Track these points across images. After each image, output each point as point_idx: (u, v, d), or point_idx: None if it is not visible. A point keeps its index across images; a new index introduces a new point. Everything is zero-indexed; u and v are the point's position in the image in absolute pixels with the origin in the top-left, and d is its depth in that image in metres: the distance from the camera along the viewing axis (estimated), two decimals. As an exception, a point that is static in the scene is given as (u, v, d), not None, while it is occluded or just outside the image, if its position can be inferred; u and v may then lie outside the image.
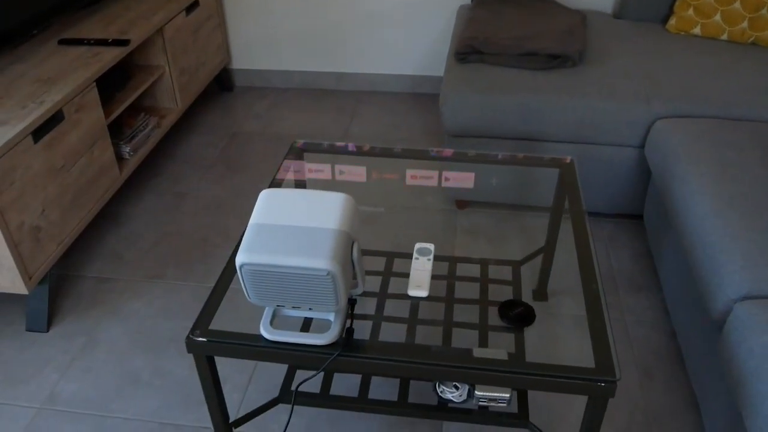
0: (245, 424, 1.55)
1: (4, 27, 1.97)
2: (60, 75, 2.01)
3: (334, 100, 3.07)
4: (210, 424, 1.57)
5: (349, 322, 1.19)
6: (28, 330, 1.87)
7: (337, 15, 2.97)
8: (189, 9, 2.67)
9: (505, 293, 1.36)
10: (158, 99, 2.64)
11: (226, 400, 1.62)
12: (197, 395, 1.64)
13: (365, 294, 1.29)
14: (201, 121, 2.96)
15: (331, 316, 1.16)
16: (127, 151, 2.30)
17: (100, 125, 2.09)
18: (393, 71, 3.09)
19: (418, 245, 1.36)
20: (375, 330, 1.22)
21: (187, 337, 1.15)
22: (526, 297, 1.33)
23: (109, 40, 2.23)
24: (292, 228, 1.06)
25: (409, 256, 1.34)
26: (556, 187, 1.67)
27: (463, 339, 1.19)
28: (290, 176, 1.67)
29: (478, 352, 1.13)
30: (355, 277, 1.15)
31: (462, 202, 2.24)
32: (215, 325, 1.18)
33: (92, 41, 2.22)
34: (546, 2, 2.60)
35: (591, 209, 2.20)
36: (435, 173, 1.75)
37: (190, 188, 2.48)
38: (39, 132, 1.79)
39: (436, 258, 1.40)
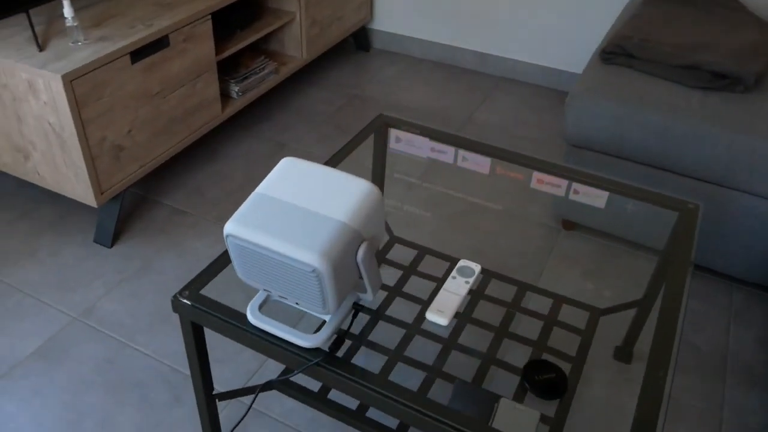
0: (230, 400, 1.46)
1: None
2: (179, 3, 1.99)
3: (468, 81, 2.88)
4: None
5: (345, 329, 1.04)
6: (95, 242, 1.91)
7: (488, -9, 2.76)
8: (335, -41, 2.58)
9: (569, 343, 1.15)
10: (285, 45, 2.59)
11: (226, 370, 1.55)
12: (219, 354, 1.58)
13: (389, 303, 1.14)
14: (325, 75, 2.89)
15: (327, 317, 1.02)
16: (236, 90, 2.27)
17: (208, 59, 2.06)
18: (539, 62, 2.83)
19: (461, 263, 1.18)
20: (377, 346, 1.07)
21: (174, 296, 1.07)
22: (605, 352, 1.12)
23: (240, -24, 2.18)
24: (295, 208, 0.92)
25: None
26: (671, 233, 1.40)
27: (495, 387, 1.01)
28: (393, 147, 1.53)
29: (502, 416, 0.94)
30: (363, 281, 1.00)
31: (570, 222, 2.00)
32: (210, 292, 1.09)
33: (224, -26, 2.19)
34: (737, 10, 2.19)
35: (724, 270, 1.81)
36: (564, 182, 1.53)
37: (293, 140, 2.42)
38: (138, 54, 1.78)
39: (505, 279, 1.21)
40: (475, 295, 1.20)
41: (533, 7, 2.70)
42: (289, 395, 1.26)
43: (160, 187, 2.15)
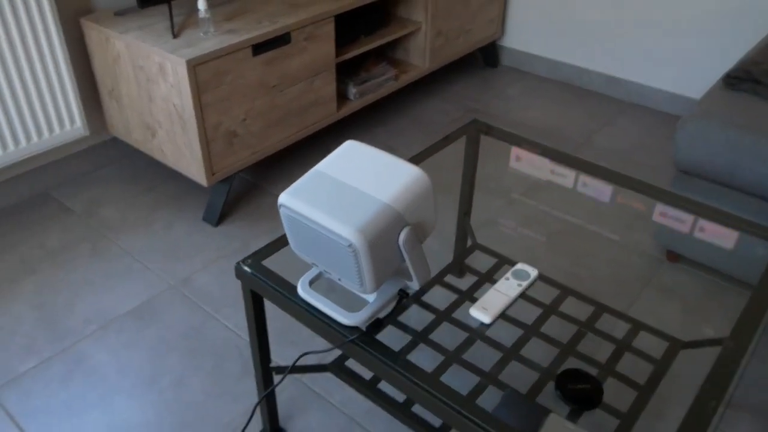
0: (295, 382, 1.50)
1: (276, -52, 2.12)
2: (308, 3, 2.10)
3: (592, 103, 2.78)
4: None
5: (387, 313, 1.04)
6: (203, 219, 2.05)
7: (628, 13, 2.65)
8: (467, -28, 2.60)
9: (639, 372, 1.08)
10: (409, 54, 2.65)
11: (297, 353, 1.59)
12: (299, 338, 1.64)
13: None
14: (447, 87, 2.92)
15: (371, 298, 1.03)
16: (354, 92, 2.35)
17: (327, 59, 2.15)
18: (670, 88, 2.68)
19: (518, 266, 1.15)
20: (427, 333, 1.07)
21: (237, 263, 1.12)
22: (683, 388, 1.05)
23: (368, -17, 2.27)
24: (345, 187, 0.95)
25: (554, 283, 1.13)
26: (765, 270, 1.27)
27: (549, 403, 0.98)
28: (512, 166, 1.53)
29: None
30: (408, 267, 1.00)
31: (675, 254, 1.87)
32: (277, 266, 1.13)
33: (354, -20, 2.29)
34: None
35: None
36: (670, 211, 1.44)
37: (403, 146, 2.46)
38: (260, 47, 1.90)
39: (582, 297, 1.17)
40: (547, 310, 1.16)
41: (668, 31, 2.56)
42: (342, 379, 1.27)
43: (268, 175, 2.27)
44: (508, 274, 1.11)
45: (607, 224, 1.60)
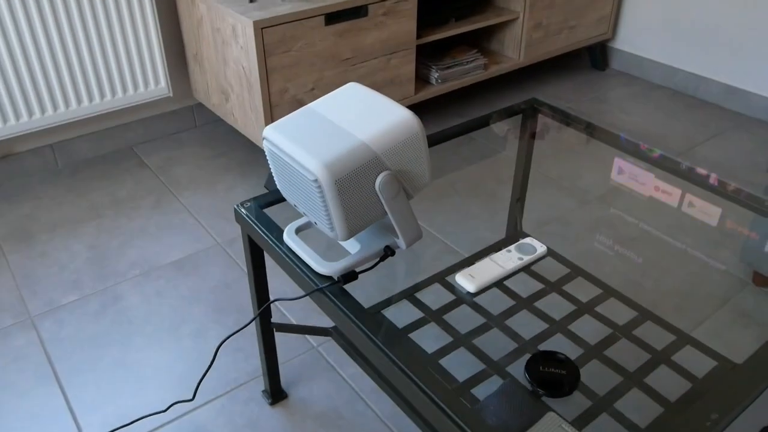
0: (286, 333, 1.45)
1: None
2: (390, -22, 2.06)
3: (705, 114, 2.53)
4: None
5: (367, 268, 0.97)
6: (264, 186, 2.06)
7: (756, 17, 2.39)
8: (574, -37, 2.45)
9: (673, 388, 0.94)
10: (504, 45, 2.54)
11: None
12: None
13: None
14: (541, 86, 2.77)
15: (353, 249, 0.96)
16: (436, 77, 2.28)
17: (407, 38, 2.10)
18: (795, 103, 2.38)
19: (525, 240, 1.03)
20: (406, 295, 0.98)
21: (237, 205, 1.09)
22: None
23: (460, -36, 2.19)
24: (330, 124, 0.89)
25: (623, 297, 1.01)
26: None
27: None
28: (615, 178, 1.43)
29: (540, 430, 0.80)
30: (391, 221, 0.92)
31: (764, 278, 1.63)
32: (276, 215, 1.09)
33: (447, -38, 2.22)
34: None
35: None
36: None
37: (480, 136, 2.35)
38: (334, 17, 1.88)
39: (624, 300, 1.04)
40: (582, 306, 1.03)
41: (801, 36, 2.27)
42: (340, 345, 1.21)
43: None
44: (511, 247, 0.99)
45: (689, 236, 1.43)
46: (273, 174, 0.95)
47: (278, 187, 0.97)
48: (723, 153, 2.26)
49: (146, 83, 2.10)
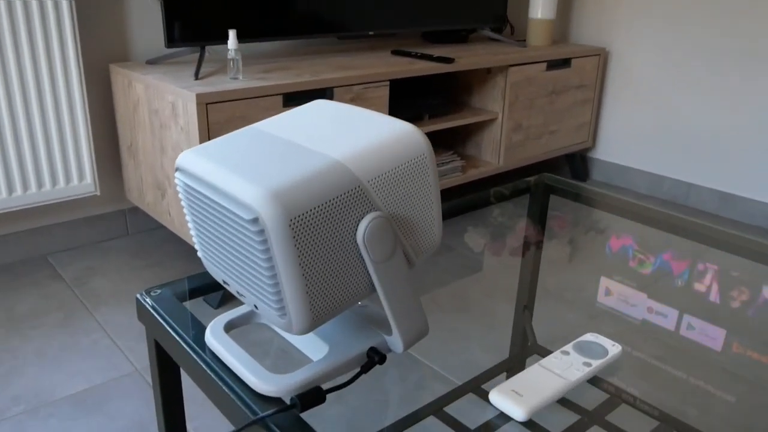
0: None
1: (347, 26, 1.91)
2: (364, 65, 1.84)
3: (695, 239, 2.28)
4: None
5: (340, 385, 0.60)
6: (203, 299, 1.67)
7: (745, 119, 2.23)
8: (553, 65, 2.29)
9: None
10: (482, 148, 2.30)
11: None
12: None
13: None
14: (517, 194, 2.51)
15: (319, 352, 0.59)
16: (409, 177, 2.00)
17: (377, 129, 1.83)
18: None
19: (587, 336, 0.68)
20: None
21: (139, 294, 0.73)
22: None
23: (434, 56, 1.99)
24: (283, 143, 0.55)
25: None
26: None
27: None
28: (600, 301, 1.12)
29: None
30: (382, 302, 0.57)
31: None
32: (204, 312, 0.73)
33: (419, 54, 2.03)
34: None
35: None
36: None
37: (459, 245, 2.04)
38: (294, 98, 1.61)
39: (684, 428, 0.67)
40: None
41: (804, 136, 2.10)
42: None
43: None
44: (568, 347, 0.64)
45: (740, 354, 1.10)
46: (192, 232, 0.60)
47: (200, 254, 0.61)
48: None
49: (68, 178, 1.75)
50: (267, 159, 0.52)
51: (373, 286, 0.55)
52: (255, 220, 0.47)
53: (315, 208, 0.48)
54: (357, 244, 0.52)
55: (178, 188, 0.58)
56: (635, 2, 2.43)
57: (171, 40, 1.63)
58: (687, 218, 1.22)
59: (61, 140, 1.71)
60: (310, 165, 0.50)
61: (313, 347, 0.61)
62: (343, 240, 0.51)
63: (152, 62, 1.80)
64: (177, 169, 0.57)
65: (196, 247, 0.61)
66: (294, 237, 0.48)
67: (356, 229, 0.51)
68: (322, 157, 0.51)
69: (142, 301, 0.71)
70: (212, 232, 0.55)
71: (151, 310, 0.69)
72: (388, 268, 0.54)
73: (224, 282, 0.59)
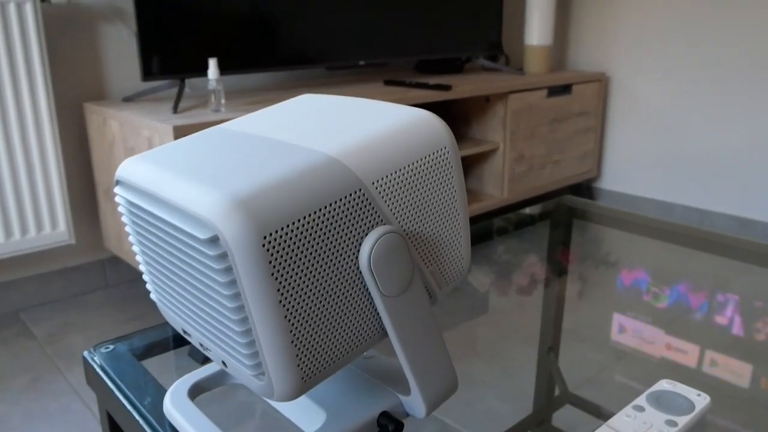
0: None
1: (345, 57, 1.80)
2: (357, 96, 1.72)
3: (719, 250, 2.14)
4: None
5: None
6: (188, 354, 1.51)
7: (758, 140, 2.11)
8: (553, 91, 2.19)
9: None
10: (484, 181, 2.18)
11: None
12: None
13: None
14: (524, 224, 2.38)
15: (314, 422, 0.44)
16: (409, 213, 1.87)
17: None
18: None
19: (663, 385, 0.53)
20: None
21: (87, 352, 0.58)
22: None
23: (430, 84, 1.88)
24: (257, 140, 0.42)
25: None
26: None
27: None
28: (615, 339, 0.98)
29: None
30: (398, 353, 0.42)
31: None
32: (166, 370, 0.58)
33: (413, 83, 1.92)
34: None
35: None
36: None
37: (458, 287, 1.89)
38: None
39: None
40: None
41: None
42: None
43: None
44: (641, 400, 0.49)
45: None
46: (142, 267, 0.46)
47: (153, 297, 0.46)
48: (752, 288, 1.84)
49: (39, 226, 1.61)
50: (233, 159, 0.38)
51: (383, 330, 0.40)
52: (214, 240, 0.33)
53: (299, 221, 0.34)
54: (360, 272, 0.37)
55: (120, 209, 0.44)
56: (633, 26, 2.35)
57: (148, 73, 1.51)
58: (726, 234, 1.08)
59: (32, 185, 1.57)
60: (292, 163, 0.36)
61: (307, 415, 0.46)
62: (340, 267, 0.36)
63: (129, 99, 1.68)
64: (117, 182, 0.43)
65: (148, 287, 0.46)
66: (271, 262, 0.33)
67: (358, 251, 0.37)
68: (308, 152, 0.37)
69: (90, 360, 0.56)
70: (162, 264, 0.41)
71: (100, 372, 0.54)
72: (404, 305, 0.39)
73: (184, 331, 0.44)
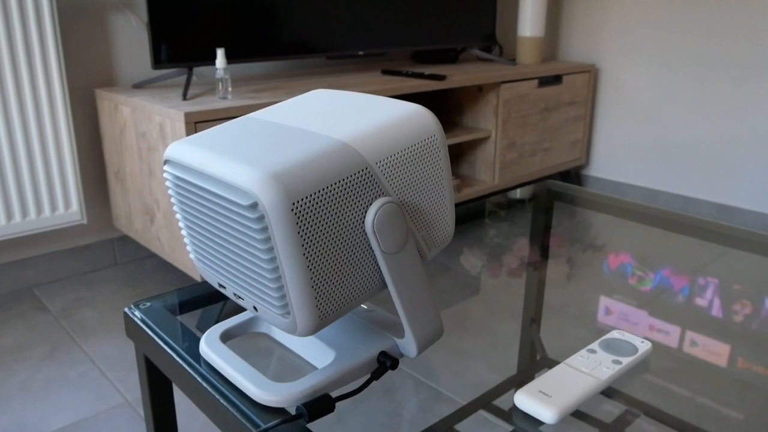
0: None
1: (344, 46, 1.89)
2: (356, 84, 1.81)
3: (697, 236, 2.25)
4: None
5: (350, 392, 0.55)
6: (196, 327, 1.61)
7: (739, 130, 2.21)
8: (544, 81, 2.28)
9: None
10: (476, 167, 2.27)
11: None
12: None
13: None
14: (518, 209, 2.48)
15: (325, 358, 0.54)
16: (404, 197, 1.96)
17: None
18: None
19: (614, 333, 0.63)
20: None
21: (128, 308, 0.67)
22: None
23: (426, 74, 1.97)
24: (284, 128, 0.51)
25: None
26: None
27: None
28: (601, 321, 1.08)
29: None
30: (394, 299, 0.52)
31: None
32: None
33: (410, 73, 2.01)
34: None
35: None
36: None
37: (456, 264, 2.00)
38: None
39: None
40: None
41: (800, 144, 2.09)
42: None
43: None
44: (595, 345, 0.59)
45: (746, 369, 1.06)
46: (183, 232, 0.55)
47: (192, 257, 0.56)
48: (730, 271, 1.95)
49: (54, 206, 1.70)
50: (265, 143, 0.48)
51: (383, 281, 0.50)
52: (254, 206, 0.43)
53: (320, 191, 0.44)
54: (366, 233, 0.47)
55: (167, 183, 0.53)
56: (623, 18, 2.44)
57: (158, 62, 1.60)
58: (703, 218, 1.18)
59: (47, 167, 1.66)
60: (313, 146, 0.46)
61: (319, 354, 0.56)
62: (350, 228, 0.46)
63: (139, 86, 1.76)
64: (165, 162, 0.53)
65: (188, 248, 0.56)
66: (297, 223, 0.43)
67: (365, 216, 0.47)
68: (325, 138, 0.47)
69: (131, 315, 0.66)
70: (206, 228, 0.51)
71: (140, 323, 0.64)
72: (400, 260, 0.49)
73: (220, 285, 0.54)
